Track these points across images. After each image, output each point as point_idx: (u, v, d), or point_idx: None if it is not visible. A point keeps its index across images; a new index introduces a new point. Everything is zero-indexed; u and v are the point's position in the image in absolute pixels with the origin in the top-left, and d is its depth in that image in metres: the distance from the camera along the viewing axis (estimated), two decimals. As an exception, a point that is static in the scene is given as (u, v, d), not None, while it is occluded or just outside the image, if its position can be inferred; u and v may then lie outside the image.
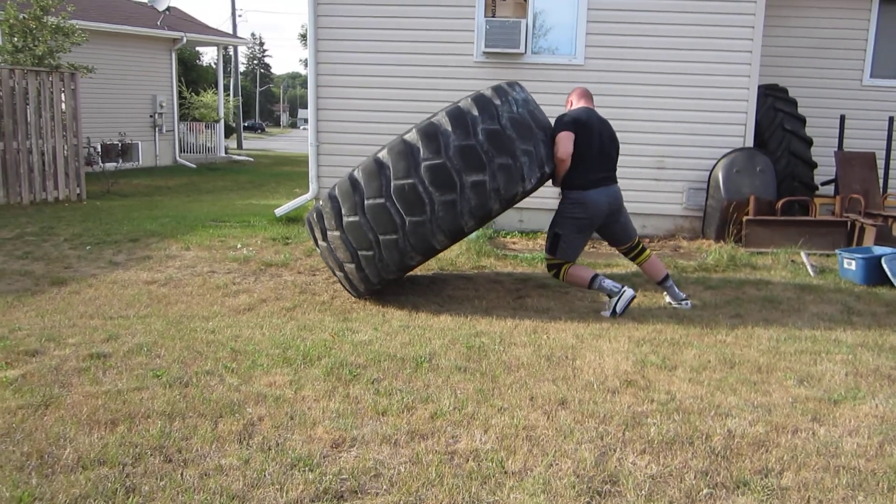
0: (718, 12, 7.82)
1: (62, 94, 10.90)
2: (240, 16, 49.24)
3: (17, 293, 5.42)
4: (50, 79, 10.67)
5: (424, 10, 8.15)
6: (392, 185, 4.61)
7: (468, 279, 6.09)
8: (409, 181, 4.59)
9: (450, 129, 4.65)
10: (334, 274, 5.20)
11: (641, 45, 7.96)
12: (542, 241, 7.85)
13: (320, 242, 5.04)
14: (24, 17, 11.31)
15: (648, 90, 8.00)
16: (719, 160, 7.79)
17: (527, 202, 8.14)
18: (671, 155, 8.08)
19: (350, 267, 4.88)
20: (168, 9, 19.40)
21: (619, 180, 8.26)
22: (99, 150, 16.15)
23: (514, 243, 7.72)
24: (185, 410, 3.03)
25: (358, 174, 4.73)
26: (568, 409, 3.18)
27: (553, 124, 5.20)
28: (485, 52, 8.08)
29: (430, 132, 4.65)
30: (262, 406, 3.11)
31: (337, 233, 4.82)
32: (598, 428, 2.99)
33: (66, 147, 10.94)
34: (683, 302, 5.32)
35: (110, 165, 16.40)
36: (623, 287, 5.05)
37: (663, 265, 5.52)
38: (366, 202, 4.67)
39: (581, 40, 8.04)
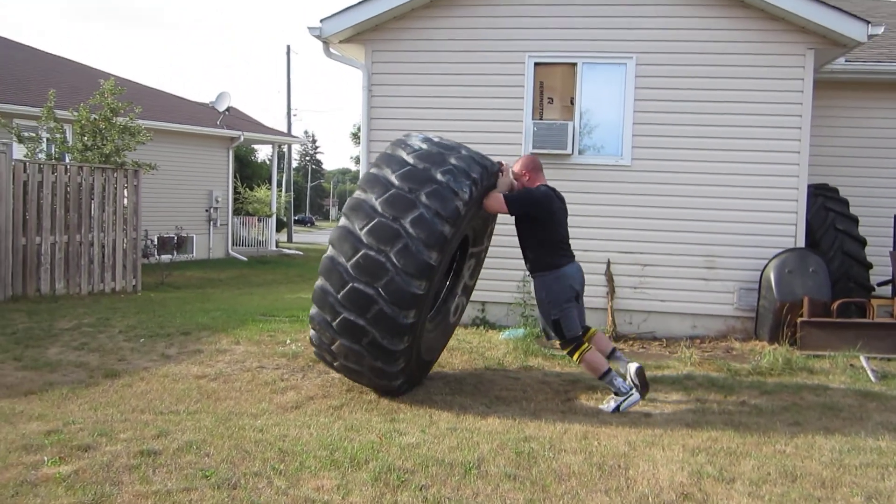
0: (766, 114, 7.91)
1: (125, 190, 11.39)
2: (294, 115, 51.37)
3: (71, 385, 5.52)
4: (115, 175, 11.17)
5: (475, 112, 8.41)
6: (348, 267, 4.73)
7: (515, 379, 6.03)
8: (359, 253, 4.72)
9: (368, 192, 4.90)
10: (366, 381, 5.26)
11: (689, 145, 8.05)
12: (590, 340, 7.76)
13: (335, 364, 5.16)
14: (94, 119, 11.98)
15: (697, 190, 8.04)
16: (770, 260, 7.70)
17: (574, 300, 8.15)
18: (721, 255, 8.02)
19: (367, 363, 4.91)
20: (228, 109, 20.36)
21: (668, 279, 8.26)
22: (156, 242, 16.68)
23: (561, 342, 7.64)
24: (233, 514, 3.01)
25: (321, 282, 4.88)
26: (622, 523, 3.07)
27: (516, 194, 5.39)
28: (532, 153, 8.24)
29: (355, 205, 4.91)
30: (310, 512, 3.07)
31: (337, 341, 4.88)
32: (654, 545, 2.87)
33: (125, 240, 11.34)
34: (627, 391, 5.20)
35: (165, 257, 16.89)
36: (631, 389, 5.14)
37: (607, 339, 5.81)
38: (339, 297, 4.76)
39: (628, 141, 8.17)
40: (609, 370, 5.17)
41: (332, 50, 8.73)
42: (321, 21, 8.38)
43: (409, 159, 5.01)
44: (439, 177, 4.88)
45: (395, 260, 4.70)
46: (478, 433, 4.35)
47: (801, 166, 7.91)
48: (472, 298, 8.43)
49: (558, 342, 5.36)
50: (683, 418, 4.97)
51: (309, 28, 8.43)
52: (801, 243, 7.89)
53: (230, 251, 19.60)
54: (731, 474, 3.71)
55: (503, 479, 3.54)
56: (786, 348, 6.89)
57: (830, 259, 7.93)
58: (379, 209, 4.79)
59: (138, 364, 6.32)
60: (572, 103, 8.32)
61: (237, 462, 3.66)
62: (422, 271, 4.73)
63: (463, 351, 6.92)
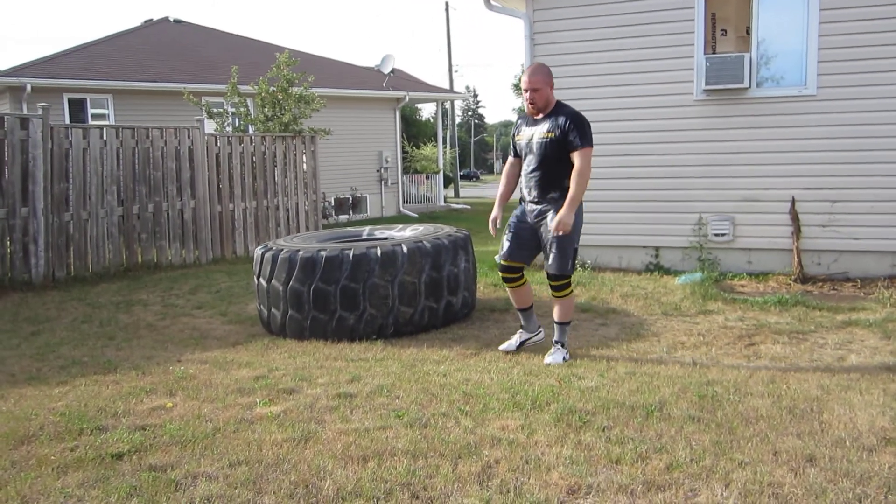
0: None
1: (303, 156, 12.11)
2: (456, 71, 51.77)
3: (271, 337, 6.03)
4: (294, 142, 11.89)
5: (641, 52, 8.11)
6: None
7: (694, 324, 5.88)
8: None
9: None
10: None
11: (884, 68, 7.30)
12: (773, 283, 7.40)
13: None
14: (273, 91, 12.76)
15: (892, 116, 7.30)
16: None
17: (755, 242, 7.79)
18: (924, 185, 7.29)
19: None
20: (392, 71, 20.93)
21: (863, 215, 7.65)
22: (333, 203, 17.67)
23: (742, 286, 7.33)
24: (426, 450, 3.21)
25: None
26: (818, 467, 2.96)
27: (575, 121, 4.68)
28: (705, 90, 7.85)
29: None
30: (498, 449, 3.21)
31: None
32: (854, 489, 2.76)
33: (306, 203, 12.09)
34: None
35: (343, 217, 17.85)
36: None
37: None
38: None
39: (812, 69, 7.55)
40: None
41: (492, 2, 8.71)
42: (481, -26, 8.38)
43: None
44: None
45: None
46: (658, 377, 4.31)
47: None
48: (644, 244, 8.29)
49: (556, 279, 4.80)
50: (885, 361, 4.65)
51: (468, -19, 8.46)
52: None
53: (401, 209, 20.32)
54: (942, 419, 3.45)
55: (687, 421, 3.51)
56: None
57: None
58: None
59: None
60: (748, 33, 7.81)
61: (425, 404, 3.88)
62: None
63: (638, 297, 6.82)
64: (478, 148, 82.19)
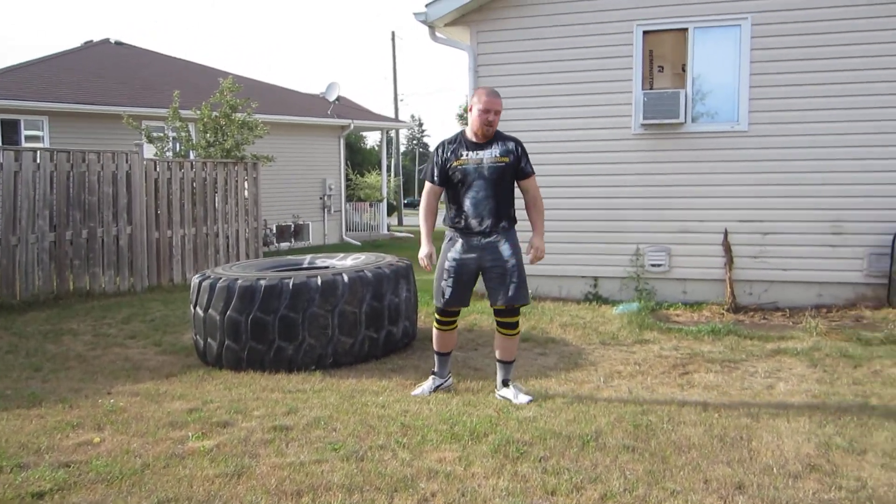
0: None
1: (245, 182, 11.97)
2: (401, 100, 52.09)
3: (206, 368, 5.90)
4: (235, 169, 11.75)
5: (582, 86, 8.31)
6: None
7: (631, 353, 5.98)
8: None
9: None
10: None
11: (812, 106, 7.67)
12: (707, 312, 7.59)
13: None
14: (215, 116, 12.61)
15: (822, 152, 7.65)
16: (904, 223, 7.25)
17: (690, 272, 7.99)
18: (849, 219, 7.62)
19: None
20: (337, 98, 20.94)
21: (791, 247, 7.95)
22: (274, 231, 17.47)
23: (677, 315, 7.50)
24: (362, 484, 3.17)
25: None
26: (746, 495, 3.03)
27: (524, 147, 4.66)
28: (643, 125, 8.08)
29: None
30: (434, 482, 3.20)
31: None
32: (780, 516, 2.83)
33: (247, 230, 11.93)
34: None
35: (284, 245, 17.66)
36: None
37: None
38: None
39: (744, 106, 7.86)
40: None
41: (437, 34, 8.83)
42: (426, 6, 8.50)
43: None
44: None
45: None
46: (594, 407, 4.36)
47: (940, 117, 7.37)
48: (583, 274, 8.42)
49: (514, 314, 4.65)
50: (810, 389, 4.80)
51: (414, 13, 8.56)
52: (939, 203, 7.37)
53: (344, 236, 20.22)
54: (862, 445, 3.57)
55: (622, 450, 3.55)
56: (923, 316, 6.50)
57: (973, 219, 7.37)
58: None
59: (266, 346, 6.66)
60: (684, 70, 8.08)
61: (363, 436, 3.83)
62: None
63: (576, 326, 6.91)
64: (422, 176, 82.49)
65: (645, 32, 8.16)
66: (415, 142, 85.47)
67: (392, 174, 34.09)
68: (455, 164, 4.56)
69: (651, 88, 8.16)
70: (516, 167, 4.58)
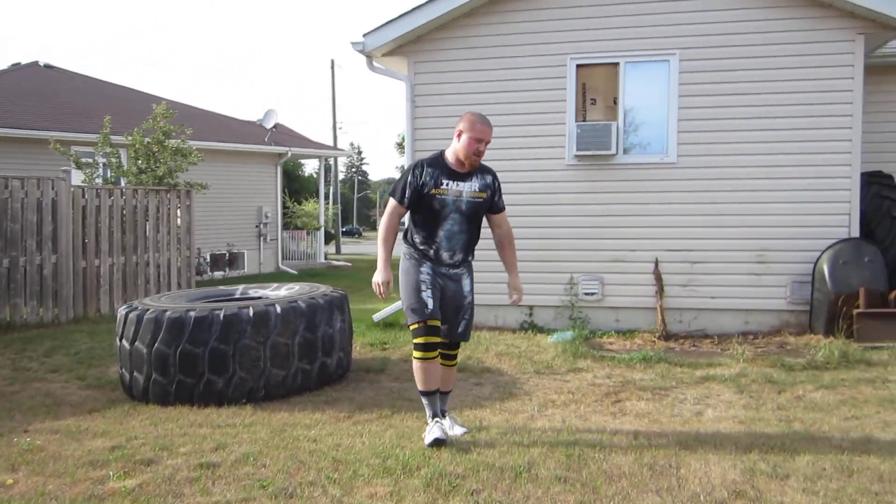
0: (816, 102, 7.77)
1: (178, 210, 11.72)
2: (340, 128, 51.91)
3: (132, 402, 5.71)
4: (168, 196, 11.51)
5: (518, 118, 8.42)
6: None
7: (565, 382, 6.03)
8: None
9: None
10: None
11: (737, 139, 7.96)
12: (639, 340, 7.72)
13: None
14: (148, 142, 12.34)
15: (746, 184, 7.93)
16: (824, 252, 7.55)
17: (623, 301, 8.14)
18: (773, 248, 7.89)
19: None
20: (275, 126, 20.76)
21: (719, 275, 8.19)
22: (208, 259, 17.13)
23: (610, 343, 7.61)
24: (289, 522, 3.10)
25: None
26: (674, 523, 3.06)
27: (499, 181, 4.56)
28: (576, 156, 8.24)
29: None
30: (363, 518, 3.14)
31: None
32: (706, 544, 2.86)
33: (179, 259, 11.67)
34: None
35: (218, 274, 17.32)
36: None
37: None
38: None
39: (673, 138, 8.10)
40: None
41: (375, 64, 8.85)
42: (364, 36, 8.52)
43: None
44: None
45: None
46: (528, 437, 4.37)
47: (854, 154, 7.73)
48: (520, 303, 8.47)
49: (457, 347, 4.59)
50: (737, 415, 4.91)
51: (352, 43, 8.57)
52: (856, 233, 7.70)
53: (280, 265, 19.94)
54: (786, 471, 3.67)
55: (553, 481, 3.56)
56: (842, 341, 6.75)
57: (887, 248, 7.73)
58: None
59: (196, 379, 6.49)
60: (615, 103, 8.29)
61: (293, 472, 3.75)
62: None
63: (512, 356, 6.94)
64: (361, 204, 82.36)
65: (578, 66, 8.36)
66: (354, 169, 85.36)
67: (330, 202, 33.92)
68: (434, 191, 4.27)
69: (584, 120, 8.34)
70: (490, 202, 4.45)
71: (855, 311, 7.07)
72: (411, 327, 4.30)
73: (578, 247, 8.32)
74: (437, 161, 4.38)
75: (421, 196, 4.27)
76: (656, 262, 8.09)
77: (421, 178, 4.28)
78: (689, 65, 8.04)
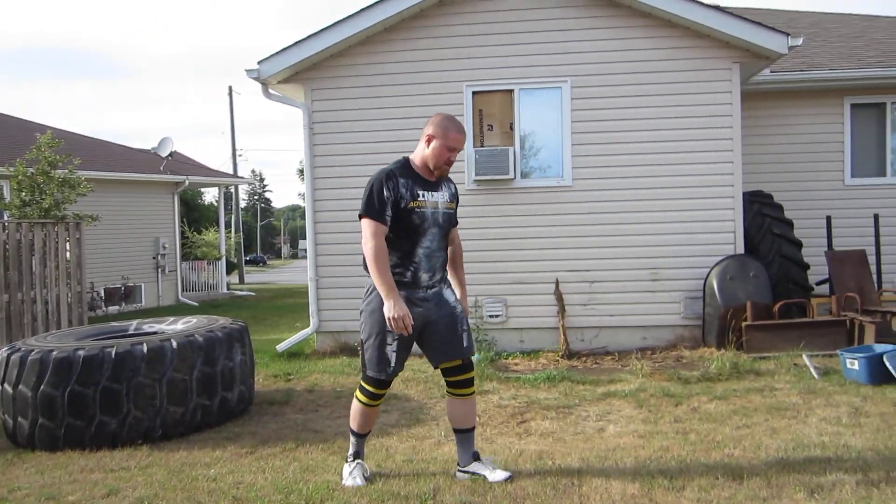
0: (698, 127, 8.19)
1: (67, 244, 11.17)
2: (240, 155, 50.89)
3: (16, 450, 5.37)
4: (55, 229, 10.95)
5: (416, 144, 8.44)
6: None
7: (472, 405, 6.05)
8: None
9: None
10: None
11: (626, 162, 8.28)
12: (543, 360, 7.85)
13: None
14: (32, 173, 11.74)
15: (637, 205, 8.25)
16: (712, 268, 7.92)
17: (526, 322, 8.28)
18: (665, 266, 8.22)
19: None
20: (171, 154, 20.15)
21: (617, 294, 8.42)
22: (102, 294, 16.39)
23: (516, 364, 7.71)
24: (186, 568, 2.97)
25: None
26: (576, 541, 3.11)
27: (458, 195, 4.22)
28: (476, 180, 8.37)
29: None
30: (265, 558, 3.05)
31: None
32: (607, 559, 2.92)
33: (69, 294, 11.10)
34: None
35: (114, 309, 16.59)
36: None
37: None
38: None
39: (568, 162, 8.35)
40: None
41: (271, 91, 8.76)
42: (259, 63, 8.42)
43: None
44: None
45: None
46: (434, 463, 4.36)
47: (736, 175, 8.17)
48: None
49: (470, 369, 4.08)
50: (636, 430, 5.05)
51: (247, 70, 8.45)
52: (741, 249, 8.12)
53: (180, 297, 19.29)
54: (682, 482, 3.79)
55: (459, 507, 3.56)
56: (733, 353, 7.07)
57: (769, 263, 8.17)
58: None
59: (88, 421, 6.16)
60: (512, 129, 8.48)
61: (190, 514, 3.61)
62: None
63: (418, 381, 6.92)
64: (265, 232, 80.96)
65: (474, 93, 8.52)
66: (256, 197, 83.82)
67: (232, 231, 33.15)
68: (412, 205, 3.80)
69: (482, 146, 8.49)
70: (454, 214, 4.10)
71: (743, 324, 7.43)
72: (366, 373, 3.97)
73: (481, 270, 8.41)
74: (408, 170, 3.90)
75: (397, 211, 3.78)
76: (557, 283, 8.28)
77: (396, 190, 3.77)
78: (580, 91, 8.33)
